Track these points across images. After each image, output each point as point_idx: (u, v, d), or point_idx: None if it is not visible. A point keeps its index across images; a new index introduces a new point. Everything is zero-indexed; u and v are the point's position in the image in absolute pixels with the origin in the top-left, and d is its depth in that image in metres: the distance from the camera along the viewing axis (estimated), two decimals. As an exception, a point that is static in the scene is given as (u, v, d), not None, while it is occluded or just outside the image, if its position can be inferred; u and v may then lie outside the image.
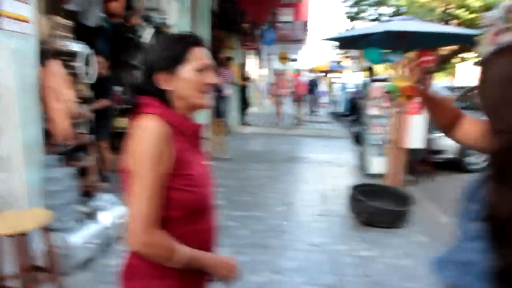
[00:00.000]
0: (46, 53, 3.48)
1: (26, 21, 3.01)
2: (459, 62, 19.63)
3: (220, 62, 10.09)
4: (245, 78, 13.77)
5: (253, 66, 19.75)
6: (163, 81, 1.40)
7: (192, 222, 1.43)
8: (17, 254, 2.61)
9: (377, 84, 6.84)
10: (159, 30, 6.17)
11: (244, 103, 13.62)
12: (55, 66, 3.39)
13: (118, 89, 6.27)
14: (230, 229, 4.80)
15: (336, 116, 18.01)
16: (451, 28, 8.33)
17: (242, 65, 13.69)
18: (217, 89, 10.40)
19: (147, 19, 5.77)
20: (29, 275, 2.96)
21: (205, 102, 1.46)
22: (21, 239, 2.76)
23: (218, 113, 10.19)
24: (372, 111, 6.84)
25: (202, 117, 8.86)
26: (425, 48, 6.91)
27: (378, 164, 6.86)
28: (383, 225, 4.71)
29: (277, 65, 21.67)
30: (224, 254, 1.55)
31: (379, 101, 6.60)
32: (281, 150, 10.24)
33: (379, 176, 6.69)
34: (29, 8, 3.03)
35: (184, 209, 1.39)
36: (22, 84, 2.99)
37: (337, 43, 8.49)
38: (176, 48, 1.40)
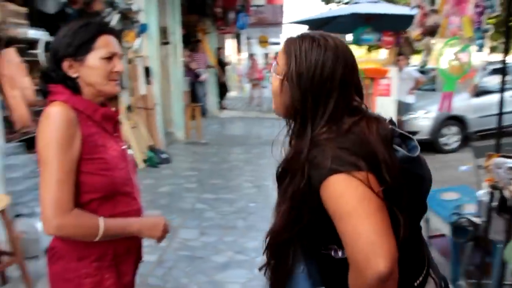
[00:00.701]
0: (0, 41, 3.49)
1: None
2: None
3: (193, 46, 10.06)
4: (223, 62, 13.74)
5: (232, 50, 19.66)
6: (70, 68, 1.43)
7: (110, 206, 1.46)
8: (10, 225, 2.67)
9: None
10: (125, 16, 6.15)
11: (223, 87, 13.61)
12: (10, 53, 3.41)
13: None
14: (198, 211, 4.90)
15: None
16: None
17: (219, 49, 13.64)
18: (194, 74, 10.42)
19: (111, 5, 5.73)
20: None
21: (112, 89, 1.49)
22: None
23: (194, 97, 10.22)
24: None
25: (178, 103, 8.90)
26: (395, 31, 6.99)
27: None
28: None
29: (257, 49, 21.62)
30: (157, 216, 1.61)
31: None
32: (258, 133, 10.30)
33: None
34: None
35: (97, 192, 1.43)
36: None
37: (307, 27, 8.56)
38: (83, 35, 1.43)
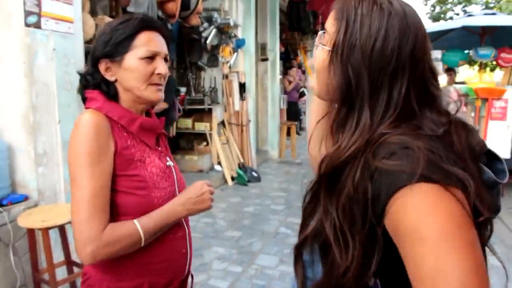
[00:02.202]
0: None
1: (69, 21, 3.07)
2: None
3: (290, 64, 9.95)
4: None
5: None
6: (107, 71, 1.25)
7: None
8: (49, 247, 2.65)
9: (454, 87, 6.25)
10: (221, 30, 6.15)
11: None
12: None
13: (182, 89, 6.36)
14: (281, 236, 4.61)
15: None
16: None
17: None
18: (297, 92, 10.31)
19: (209, 20, 5.76)
20: (69, 267, 3.02)
21: (152, 95, 1.27)
22: (55, 232, 2.83)
23: (290, 116, 10.06)
24: (450, 116, 6.26)
25: (274, 121, 8.78)
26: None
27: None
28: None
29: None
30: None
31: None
32: (354, 156, 9.80)
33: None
34: (73, 8, 3.09)
35: (131, 215, 1.21)
36: (63, 82, 3.05)
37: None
38: (121, 32, 1.23)
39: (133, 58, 1.23)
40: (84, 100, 1.29)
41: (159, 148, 1.38)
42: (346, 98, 0.85)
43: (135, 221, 1.18)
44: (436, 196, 0.71)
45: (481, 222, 0.75)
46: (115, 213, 1.20)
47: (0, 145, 2.85)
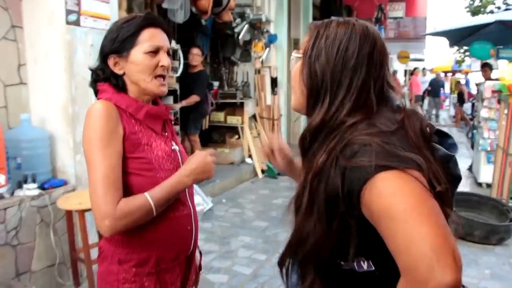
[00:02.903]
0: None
1: (107, 19, 3.28)
2: None
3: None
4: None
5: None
6: (116, 65, 1.38)
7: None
8: (84, 228, 2.87)
9: (489, 83, 6.13)
10: (254, 26, 6.26)
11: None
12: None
13: (215, 83, 6.53)
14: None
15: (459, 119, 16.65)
16: None
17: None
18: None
19: (241, 16, 5.89)
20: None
21: (156, 89, 1.40)
22: (90, 215, 3.05)
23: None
24: (483, 113, 6.17)
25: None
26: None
27: (486, 173, 6.16)
28: (474, 239, 4.22)
29: (396, 65, 20.62)
30: None
31: (490, 102, 5.91)
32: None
33: (488, 185, 6.03)
34: (109, 7, 3.30)
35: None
36: (100, 76, 3.26)
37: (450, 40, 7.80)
38: (127, 29, 1.36)
39: (138, 53, 1.36)
40: (96, 92, 1.44)
41: (165, 134, 1.51)
42: (313, 91, 1.01)
43: (146, 193, 1.31)
44: (397, 179, 0.84)
45: (440, 195, 0.87)
46: (125, 193, 1.32)
47: (43, 134, 3.10)
